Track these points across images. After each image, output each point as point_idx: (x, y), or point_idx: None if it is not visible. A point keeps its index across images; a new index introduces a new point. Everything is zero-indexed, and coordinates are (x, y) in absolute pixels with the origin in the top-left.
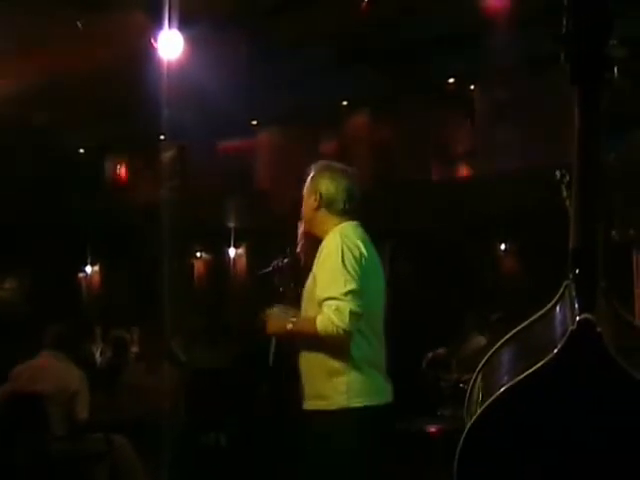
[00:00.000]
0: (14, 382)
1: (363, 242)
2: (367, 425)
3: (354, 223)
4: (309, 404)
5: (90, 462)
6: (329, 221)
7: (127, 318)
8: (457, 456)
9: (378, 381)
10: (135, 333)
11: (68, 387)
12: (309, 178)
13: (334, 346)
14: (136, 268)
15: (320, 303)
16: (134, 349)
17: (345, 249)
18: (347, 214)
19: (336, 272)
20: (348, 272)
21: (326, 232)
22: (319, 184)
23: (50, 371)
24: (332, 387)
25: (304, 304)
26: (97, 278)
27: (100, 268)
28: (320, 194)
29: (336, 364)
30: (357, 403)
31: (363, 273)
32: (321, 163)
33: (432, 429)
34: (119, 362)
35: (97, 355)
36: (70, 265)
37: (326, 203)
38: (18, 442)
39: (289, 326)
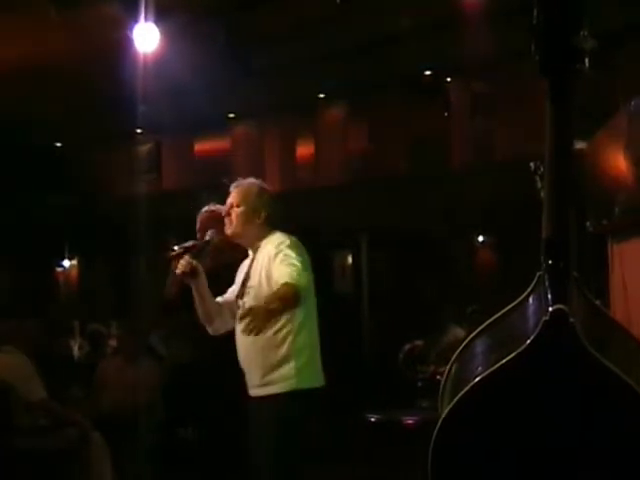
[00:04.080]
0: None
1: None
2: (313, 406)
3: (283, 233)
4: (258, 391)
5: (63, 457)
6: (262, 234)
7: (105, 312)
8: (431, 447)
9: (318, 366)
10: (113, 327)
11: (11, 378)
12: (249, 193)
13: (280, 336)
14: (114, 262)
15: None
16: (112, 343)
17: (286, 250)
18: (277, 227)
19: (287, 263)
20: (297, 261)
21: (254, 243)
22: (263, 202)
23: None
24: (280, 374)
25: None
26: (75, 272)
27: (78, 262)
28: (267, 213)
29: (280, 355)
30: (304, 385)
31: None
32: (254, 181)
33: (409, 420)
34: (97, 356)
35: (75, 350)
36: (48, 260)
37: (267, 220)
38: None
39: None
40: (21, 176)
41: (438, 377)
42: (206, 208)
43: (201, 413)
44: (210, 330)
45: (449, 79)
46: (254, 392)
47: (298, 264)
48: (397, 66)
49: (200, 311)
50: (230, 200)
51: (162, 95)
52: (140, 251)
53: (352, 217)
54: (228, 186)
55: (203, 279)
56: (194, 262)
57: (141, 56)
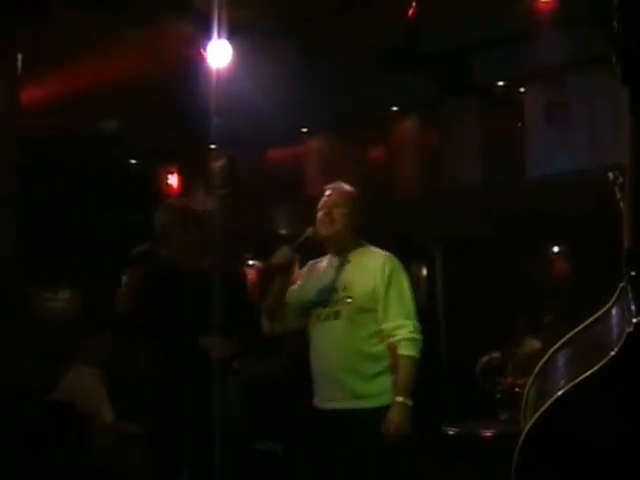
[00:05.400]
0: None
1: None
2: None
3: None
4: (348, 404)
5: (127, 477)
6: (355, 240)
7: None
8: (515, 461)
9: None
10: None
11: (81, 398)
12: (350, 197)
13: (382, 348)
14: None
15: (396, 327)
16: None
17: (399, 280)
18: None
19: (410, 302)
20: (411, 305)
21: (346, 248)
22: (358, 208)
23: (65, 384)
24: (377, 387)
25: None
26: None
27: None
28: (359, 220)
29: (379, 367)
30: (390, 401)
31: None
32: (349, 187)
33: (487, 433)
34: None
35: None
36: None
37: (357, 226)
38: (57, 453)
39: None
40: (98, 190)
41: (516, 389)
42: (167, 202)
43: (278, 426)
44: (269, 328)
45: (522, 89)
46: (342, 405)
47: (412, 309)
48: (469, 77)
49: (272, 306)
50: (331, 200)
51: (235, 111)
52: (214, 265)
53: (426, 229)
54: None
55: (290, 275)
56: (295, 255)
57: (214, 72)
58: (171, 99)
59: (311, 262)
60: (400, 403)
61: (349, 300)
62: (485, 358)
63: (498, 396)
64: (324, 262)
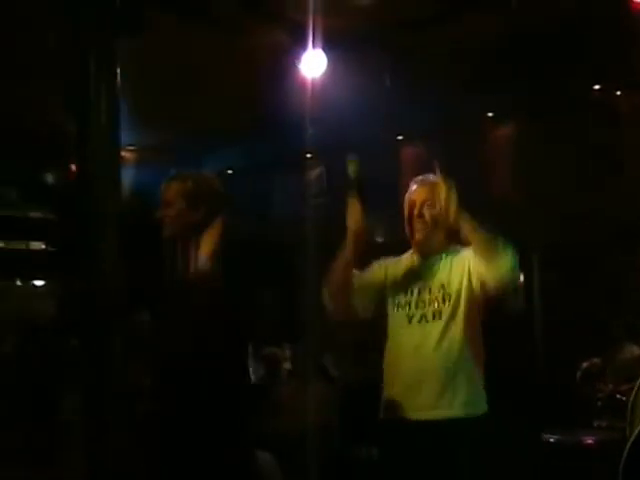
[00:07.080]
0: None
1: None
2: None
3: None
4: (458, 411)
5: None
6: (446, 241)
7: (278, 335)
8: (621, 468)
9: None
10: (287, 350)
11: None
12: (443, 191)
13: (478, 355)
14: (285, 285)
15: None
16: (285, 366)
17: None
18: None
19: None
20: None
21: (436, 250)
22: (453, 202)
23: None
24: (478, 393)
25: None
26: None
27: None
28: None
29: (478, 371)
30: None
31: None
32: (439, 178)
33: (589, 441)
34: (272, 380)
35: (250, 373)
36: None
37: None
38: None
39: None
40: None
41: (618, 396)
42: (176, 175)
43: (371, 432)
44: (336, 311)
45: (619, 92)
46: (447, 413)
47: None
48: (565, 81)
49: (339, 283)
50: (421, 197)
51: (331, 120)
52: (312, 273)
53: (523, 235)
54: None
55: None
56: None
57: (309, 82)
58: (267, 109)
59: (391, 259)
60: None
61: (450, 299)
62: (585, 364)
63: (599, 403)
64: (407, 259)
